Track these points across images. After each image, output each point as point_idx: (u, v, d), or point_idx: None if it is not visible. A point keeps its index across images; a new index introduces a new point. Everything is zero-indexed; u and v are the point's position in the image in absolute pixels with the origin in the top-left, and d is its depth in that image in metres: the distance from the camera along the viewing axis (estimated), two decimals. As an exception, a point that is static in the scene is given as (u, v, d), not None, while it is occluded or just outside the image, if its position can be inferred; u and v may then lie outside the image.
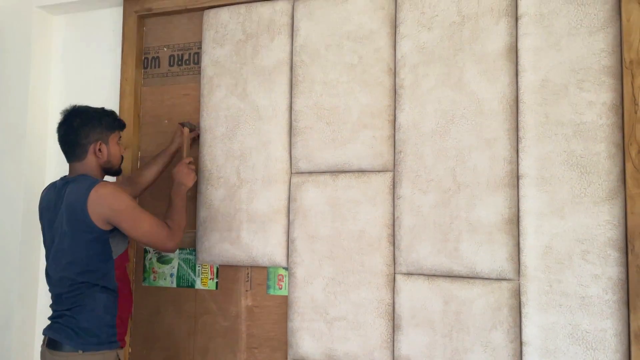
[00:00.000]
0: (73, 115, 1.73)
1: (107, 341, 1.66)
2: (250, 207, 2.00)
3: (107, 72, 2.31)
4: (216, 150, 2.06)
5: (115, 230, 1.67)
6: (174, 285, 2.11)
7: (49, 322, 1.71)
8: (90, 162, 1.72)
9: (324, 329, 1.87)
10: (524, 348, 1.65)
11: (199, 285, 2.08)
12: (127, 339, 2.12)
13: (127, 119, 2.14)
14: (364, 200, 1.87)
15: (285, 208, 1.98)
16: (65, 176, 1.76)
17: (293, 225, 1.95)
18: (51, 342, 1.65)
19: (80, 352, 1.62)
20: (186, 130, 2.00)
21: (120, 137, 1.82)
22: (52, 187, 1.75)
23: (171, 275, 2.12)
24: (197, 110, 2.12)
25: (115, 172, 1.81)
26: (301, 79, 1.97)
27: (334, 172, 1.93)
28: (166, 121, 2.18)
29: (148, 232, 1.68)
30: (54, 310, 1.71)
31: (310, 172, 1.96)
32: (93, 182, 1.65)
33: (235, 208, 2.01)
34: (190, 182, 1.87)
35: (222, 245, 2.02)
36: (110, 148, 1.75)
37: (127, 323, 1.77)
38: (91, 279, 1.65)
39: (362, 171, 1.90)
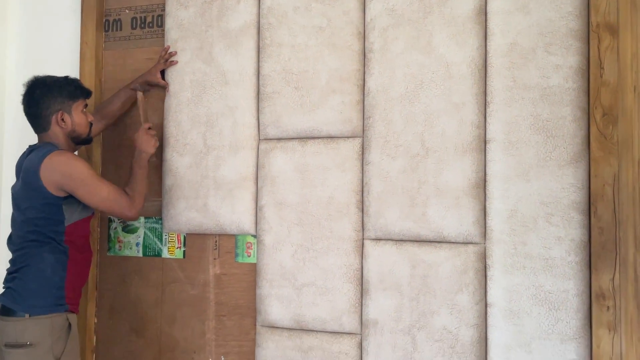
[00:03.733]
0: (34, 87, 1.70)
1: (55, 304, 1.64)
2: (217, 174, 1.96)
3: (67, 35, 2.20)
4: (181, 116, 2.00)
5: (71, 198, 1.65)
6: (140, 254, 2.07)
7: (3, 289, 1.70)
8: (55, 133, 1.70)
9: (293, 295, 1.86)
10: (489, 309, 1.68)
11: (165, 254, 2.04)
12: (92, 309, 2.08)
13: (89, 84, 2.06)
14: (333, 167, 1.86)
15: (253, 175, 1.95)
16: (34, 144, 1.74)
17: (261, 192, 1.93)
18: (3, 309, 1.63)
19: (27, 316, 1.60)
20: (140, 94, 1.93)
21: (87, 105, 1.77)
22: (22, 154, 1.74)
23: (137, 244, 2.07)
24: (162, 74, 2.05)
25: (85, 140, 1.78)
26: (268, 42, 1.92)
27: (302, 138, 1.90)
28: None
29: (106, 200, 1.66)
30: (7, 274, 1.69)
31: (279, 139, 1.92)
32: (51, 149, 1.63)
33: (202, 175, 1.97)
34: (151, 149, 1.82)
35: (188, 213, 1.98)
36: (74, 117, 1.71)
37: (79, 292, 1.75)
38: (40, 237, 1.63)
39: (331, 137, 1.88)
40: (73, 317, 1.70)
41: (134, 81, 2.00)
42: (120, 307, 2.07)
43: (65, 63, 2.16)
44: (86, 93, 1.77)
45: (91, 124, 1.78)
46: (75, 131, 1.72)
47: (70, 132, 1.72)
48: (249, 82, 1.95)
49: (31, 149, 1.71)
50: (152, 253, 2.05)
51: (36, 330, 1.59)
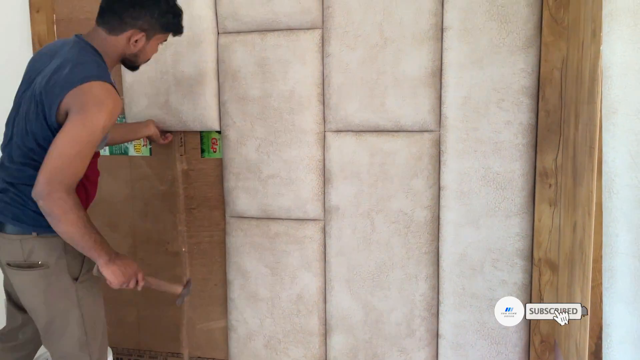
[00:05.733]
0: None
1: None
2: (177, 70, 1.94)
3: None
4: (136, 10, 1.94)
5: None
6: (107, 153, 2.09)
7: None
8: (114, 43, 1.46)
9: (259, 186, 1.94)
10: (441, 192, 1.79)
11: (132, 152, 2.07)
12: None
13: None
14: (293, 60, 1.86)
15: (214, 70, 1.94)
16: (77, 37, 1.46)
17: (223, 87, 1.93)
18: None
19: (35, 234, 1.41)
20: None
21: (166, 39, 1.58)
22: (53, 45, 1.50)
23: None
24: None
25: (132, 67, 1.57)
26: None
27: (262, 30, 1.88)
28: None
29: (60, 157, 1.32)
30: None
31: (238, 32, 1.90)
32: (95, 75, 1.35)
33: (161, 72, 1.95)
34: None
35: (151, 110, 1.99)
36: (148, 46, 1.51)
37: None
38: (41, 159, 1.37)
39: (290, 29, 1.86)
40: None
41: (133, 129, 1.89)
42: (92, 203, 2.12)
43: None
44: (178, 31, 1.56)
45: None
46: (136, 57, 1.52)
47: (130, 55, 1.50)
48: (203, -29, 1.88)
49: (71, 45, 1.42)
50: (118, 151, 2.08)
51: (47, 250, 1.42)
